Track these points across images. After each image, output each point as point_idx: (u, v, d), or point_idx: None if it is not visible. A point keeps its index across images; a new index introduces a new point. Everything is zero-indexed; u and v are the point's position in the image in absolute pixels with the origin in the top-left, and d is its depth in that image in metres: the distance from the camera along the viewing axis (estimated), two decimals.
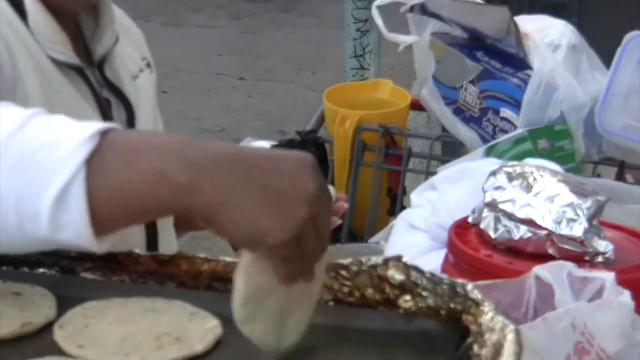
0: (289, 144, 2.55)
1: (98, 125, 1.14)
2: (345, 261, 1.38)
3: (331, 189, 1.70)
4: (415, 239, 1.93)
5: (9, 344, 1.28)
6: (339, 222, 1.77)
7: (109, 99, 1.81)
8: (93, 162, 1.11)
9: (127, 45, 1.94)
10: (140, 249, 1.48)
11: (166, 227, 1.86)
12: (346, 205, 1.80)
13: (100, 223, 1.12)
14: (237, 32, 8.52)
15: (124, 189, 1.13)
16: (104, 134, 1.13)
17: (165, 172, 1.12)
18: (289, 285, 1.22)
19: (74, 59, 1.73)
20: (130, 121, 1.81)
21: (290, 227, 1.12)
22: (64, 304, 1.36)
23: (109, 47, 1.82)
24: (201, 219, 1.14)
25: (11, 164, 1.11)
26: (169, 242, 1.86)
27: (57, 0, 1.69)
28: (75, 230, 1.11)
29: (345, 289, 1.38)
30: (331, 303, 1.39)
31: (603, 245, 1.59)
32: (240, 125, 6.03)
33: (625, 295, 1.41)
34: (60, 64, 1.70)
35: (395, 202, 2.47)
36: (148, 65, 1.98)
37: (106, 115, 1.77)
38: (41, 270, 1.46)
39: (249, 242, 1.17)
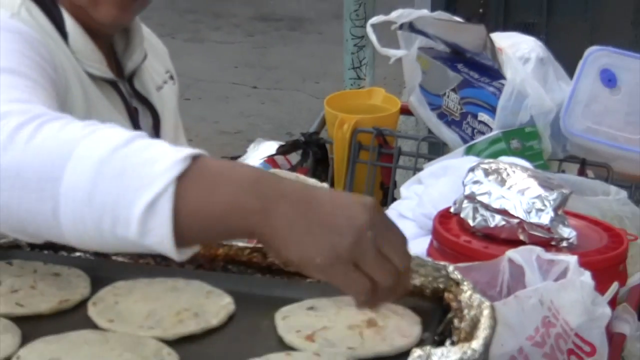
0: (295, 144, 2.55)
1: (191, 150, 1.16)
2: None
3: (325, 185, 1.71)
4: (404, 226, 1.84)
5: (48, 318, 1.30)
6: None
7: (137, 107, 1.82)
8: (183, 181, 1.12)
9: (154, 60, 1.95)
10: None
11: None
12: None
13: (181, 235, 1.13)
14: (251, 47, 8.47)
15: (204, 212, 1.15)
16: (195, 158, 1.15)
17: (239, 204, 1.14)
18: (366, 307, 1.22)
19: (109, 74, 1.74)
20: (156, 126, 1.82)
21: (334, 249, 1.12)
22: (97, 284, 1.37)
23: (138, 63, 1.83)
24: (264, 244, 1.17)
25: (113, 174, 1.13)
26: None
27: (95, 26, 1.70)
28: (159, 237, 1.13)
29: None
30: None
31: (567, 232, 1.60)
32: (253, 128, 6.01)
33: (586, 276, 1.43)
34: (96, 79, 1.71)
35: (387, 195, 2.47)
36: (171, 77, 1.98)
37: (135, 122, 1.78)
38: (77, 254, 1.45)
39: (299, 263, 1.16)
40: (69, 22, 1.68)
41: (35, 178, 1.14)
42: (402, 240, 1.23)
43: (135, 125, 1.77)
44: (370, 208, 1.16)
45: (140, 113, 1.83)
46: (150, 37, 2.01)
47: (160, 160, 1.14)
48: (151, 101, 1.84)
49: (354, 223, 1.14)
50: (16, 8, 1.64)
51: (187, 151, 1.15)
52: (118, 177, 1.13)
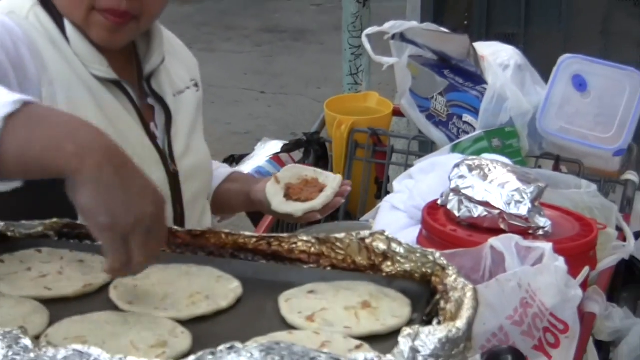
0: (298, 143, 2.55)
1: (23, 96, 1.16)
2: (340, 235, 1.38)
3: (339, 176, 1.71)
4: (396, 217, 1.93)
5: (73, 300, 1.30)
6: (342, 201, 1.74)
7: (153, 105, 1.79)
8: (10, 120, 1.12)
9: (178, 67, 1.91)
10: (169, 224, 1.47)
11: (192, 207, 1.81)
12: (349, 188, 1.76)
13: (5, 167, 1.13)
14: (258, 56, 8.48)
15: (25, 147, 1.13)
16: (27, 103, 1.15)
17: (56, 145, 1.13)
18: (112, 274, 1.23)
19: (112, 75, 1.70)
20: (168, 124, 1.79)
21: (118, 216, 1.13)
22: None
23: (155, 65, 1.80)
24: (67, 186, 1.14)
25: None
26: (194, 220, 1.81)
27: (98, 42, 1.67)
28: None
29: (340, 257, 1.39)
30: (329, 268, 1.39)
31: (543, 222, 1.60)
32: (261, 129, 6.01)
33: (560, 261, 1.43)
34: (101, 80, 1.68)
35: (381, 189, 2.47)
36: (196, 85, 1.93)
37: (144, 118, 1.74)
38: (100, 242, 1.46)
39: (87, 213, 1.15)
40: (69, 29, 1.65)
41: None
42: (164, 237, 1.24)
43: (144, 122, 1.74)
44: (159, 204, 1.19)
45: (157, 111, 1.80)
46: (181, 48, 1.99)
47: None
48: (166, 101, 1.80)
49: (142, 208, 1.14)
50: (25, 12, 1.65)
51: (19, 96, 1.15)
52: None
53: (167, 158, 1.76)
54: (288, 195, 1.68)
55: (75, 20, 1.65)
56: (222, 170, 2.05)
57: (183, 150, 1.80)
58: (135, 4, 1.63)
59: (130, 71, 1.78)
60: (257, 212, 2.15)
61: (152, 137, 1.75)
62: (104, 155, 1.14)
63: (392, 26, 2.34)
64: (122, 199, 1.13)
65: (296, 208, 1.64)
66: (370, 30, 2.39)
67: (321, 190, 1.74)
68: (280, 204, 1.67)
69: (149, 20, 1.71)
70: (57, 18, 1.66)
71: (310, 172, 1.73)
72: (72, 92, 1.63)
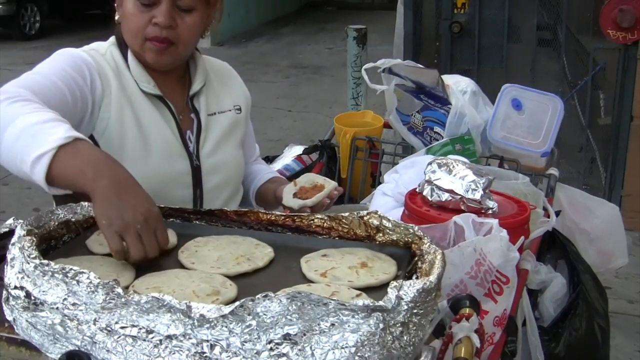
0: (315, 148, 2.54)
1: (77, 134, 1.27)
2: (345, 214, 1.39)
3: (334, 183, 1.68)
4: (385, 201, 1.91)
5: (160, 260, 1.27)
6: (329, 202, 1.66)
7: (193, 118, 1.74)
8: (61, 150, 1.24)
9: (223, 93, 1.83)
10: (188, 206, 1.54)
11: (214, 194, 1.75)
12: (336, 193, 1.68)
13: (51, 180, 1.25)
14: (287, 85, 8.49)
15: (64, 171, 1.24)
16: (77, 139, 1.26)
17: (82, 172, 1.23)
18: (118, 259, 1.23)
19: (156, 91, 1.68)
20: (198, 133, 1.73)
21: (114, 220, 1.19)
22: (184, 239, 1.36)
23: (197, 89, 1.75)
24: (90, 200, 1.23)
25: (28, 135, 1.27)
26: (217, 204, 1.75)
27: (150, 63, 1.66)
28: (38, 177, 1.25)
29: (345, 230, 1.39)
30: (337, 238, 1.39)
31: (491, 204, 1.58)
32: (288, 137, 6.01)
33: (504, 232, 1.41)
34: (147, 94, 1.67)
35: (375, 180, 2.45)
36: (238, 109, 1.85)
37: (180, 126, 1.70)
38: (171, 219, 1.46)
39: (97, 219, 1.21)
40: (130, 57, 1.67)
41: None
42: (159, 238, 1.25)
43: (180, 128, 1.69)
44: (150, 215, 1.22)
45: (194, 123, 1.74)
46: (234, 80, 1.92)
47: (55, 135, 1.25)
48: (200, 117, 1.75)
49: (133, 217, 1.20)
50: (103, 50, 1.68)
51: (73, 133, 1.27)
52: (30, 138, 1.26)
53: (193, 156, 1.70)
54: (296, 195, 1.66)
55: (134, 48, 1.65)
56: (265, 175, 1.98)
57: (209, 152, 1.74)
58: (171, 33, 1.61)
59: (177, 91, 1.74)
60: None
61: (184, 140, 1.70)
62: (109, 180, 1.22)
63: (382, 62, 2.34)
64: (118, 210, 1.20)
65: (295, 203, 1.62)
66: (367, 65, 2.38)
67: None
68: (288, 200, 1.65)
69: (185, 46, 1.67)
70: (124, 52, 1.67)
71: (321, 179, 1.70)
72: (120, 103, 1.62)
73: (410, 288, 1.00)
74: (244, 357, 0.92)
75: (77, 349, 0.99)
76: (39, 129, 1.27)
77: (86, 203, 1.38)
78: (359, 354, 0.92)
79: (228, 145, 1.79)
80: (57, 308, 1.01)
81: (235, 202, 1.84)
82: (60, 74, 1.53)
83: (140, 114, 1.65)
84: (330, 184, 1.66)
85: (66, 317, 1.00)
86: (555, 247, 2.02)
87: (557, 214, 2.04)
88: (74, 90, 1.53)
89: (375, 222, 1.35)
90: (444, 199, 1.58)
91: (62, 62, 1.57)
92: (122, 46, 1.68)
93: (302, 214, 1.43)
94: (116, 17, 1.67)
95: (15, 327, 1.05)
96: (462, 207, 1.56)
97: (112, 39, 1.71)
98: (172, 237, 1.35)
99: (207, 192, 1.72)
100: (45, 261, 1.04)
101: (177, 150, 1.67)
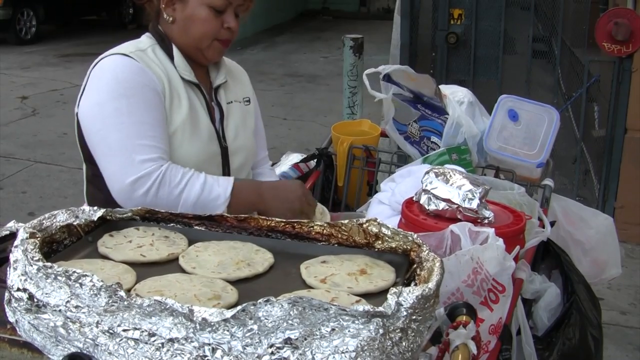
0: (312, 156, 2.53)
1: (232, 178, 1.77)
2: (344, 221, 1.40)
3: (324, 208, 1.88)
4: (382, 209, 1.92)
5: (160, 265, 1.30)
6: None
7: (214, 107, 1.93)
8: (231, 194, 1.72)
9: (236, 87, 2.02)
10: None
11: (239, 172, 1.95)
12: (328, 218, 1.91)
13: (229, 208, 1.69)
14: (283, 94, 8.48)
15: (238, 204, 1.73)
16: (235, 184, 1.74)
17: (253, 199, 1.75)
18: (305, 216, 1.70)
19: (195, 80, 1.87)
20: (221, 120, 1.92)
21: (290, 210, 1.73)
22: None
23: (219, 83, 1.95)
24: (261, 212, 1.68)
25: (204, 202, 1.71)
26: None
27: (209, 59, 1.89)
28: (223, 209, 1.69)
29: (344, 236, 1.39)
30: (336, 245, 1.40)
31: (488, 214, 1.58)
32: (284, 145, 6.00)
33: (500, 241, 1.42)
34: (187, 82, 1.86)
35: (371, 189, 2.43)
36: (247, 101, 2.05)
37: (211, 112, 1.89)
38: (172, 224, 1.47)
39: (277, 217, 1.46)
40: (176, 52, 1.86)
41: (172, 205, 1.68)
42: (313, 201, 1.82)
43: (211, 115, 1.89)
44: (300, 187, 1.80)
45: (217, 111, 1.92)
46: (243, 76, 2.11)
47: (225, 193, 1.74)
48: (222, 106, 1.94)
49: (297, 198, 1.76)
50: (147, 48, 1.84)
51: (231, 178, 1.77)
52: (205, 202, 1.72)
53: (221, 138, 1.91)
54: None
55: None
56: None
57: (233, 135, 1.94)
58: (234, 36, 1.87)
59: (205, 81, 1.94)
60: None
61: (215, 124, 1.90)
62: (260, 197, 1.77)
63: (383, 68, 2.34)
64: (281, 206, 1.75)
65: None
66: (369, 71, 2.37)
67: None
68: None
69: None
70: (168, 46, 1.86)
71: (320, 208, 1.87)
72: (171, 94, 1.81)
73: (410, 294, 1.01)
74: None
75: (79, 351, 1.00)
76: (205, 199, 1.71)
77: (87, 207, 1.39)
78: (359, 359, 0.93)
79: (246, 131, 2.00)
80: (59, 310, 1.02)
81: None
82: (153, 105, 1.75)
83: (190, 100, 1.84)
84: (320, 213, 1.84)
85: (69, 320, 1.01)
86: (549, 257, 2.03)
87: (552, 224, 2.04)
88: (162, 109, 1.77)
89: (375, 230, 1.36)
90: (440, 208, 1.59)
91: (144, 88, 1.75)
92: (165, 41, 1.86)
93: (302, 220, 1.44)
94: (169, 19, 1.84)
95: (17, 329, 1.06)
96: (459, 216, 1.57)
97: (146, 37, 1.88)
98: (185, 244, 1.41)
99: (233, 171, 1.93)
100: (49, 264, 1.05)
101: (209, 133, 1.87)
